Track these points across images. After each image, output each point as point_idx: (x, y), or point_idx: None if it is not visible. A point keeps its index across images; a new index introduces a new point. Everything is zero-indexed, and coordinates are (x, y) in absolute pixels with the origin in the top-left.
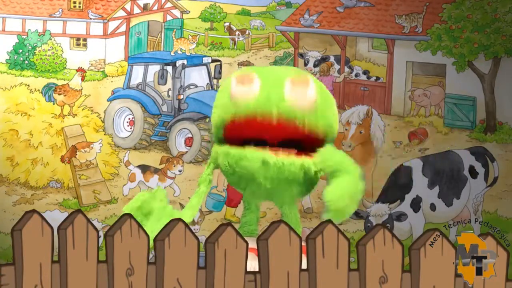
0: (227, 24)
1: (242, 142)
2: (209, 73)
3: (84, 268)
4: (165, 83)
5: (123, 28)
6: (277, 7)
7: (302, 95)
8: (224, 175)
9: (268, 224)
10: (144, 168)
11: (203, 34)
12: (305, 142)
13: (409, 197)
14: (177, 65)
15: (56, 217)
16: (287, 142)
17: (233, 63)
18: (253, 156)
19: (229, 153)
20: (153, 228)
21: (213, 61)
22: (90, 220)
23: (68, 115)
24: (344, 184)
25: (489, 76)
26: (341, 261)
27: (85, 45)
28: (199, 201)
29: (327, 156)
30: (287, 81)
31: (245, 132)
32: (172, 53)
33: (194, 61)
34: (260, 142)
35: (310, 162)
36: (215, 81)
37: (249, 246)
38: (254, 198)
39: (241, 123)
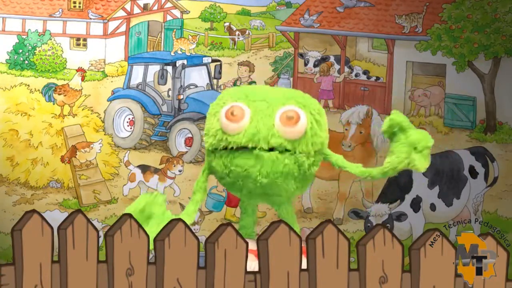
0: (227, 24)
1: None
2: (209, 73)
3: (84, 268)
4: (165, 83)
5: (123, 28)
6: (277, 7)
7: (293, 128)
8: (219, 179)
9: (268, 224)
10: (144, 168)
11: (203, 34)
12: None
13: (409, 197)
14: (177, 65)
15: (56, 217)
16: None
17: (233, 63)
18: (247, 153)
19: (223, 154)
20: (153, 232)
21: (213, 61)
22: (90, 220)
23: (68, 115)
24: (422, 131)
25: (489, 76)
26: (341, 261)
27: (85, 45)
28: (196, 209)
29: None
30: (277, 112)
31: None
32: (172, 53)
33: (194, 61)
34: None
35: (303, 155)
36: (215, 81)
37: (249, 247)
38: (251, 199)
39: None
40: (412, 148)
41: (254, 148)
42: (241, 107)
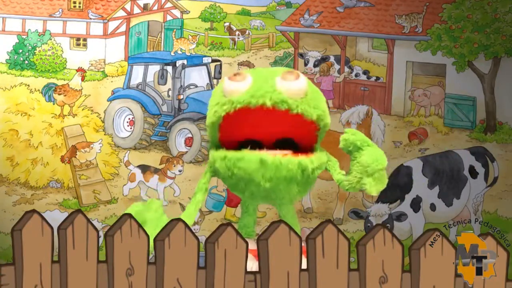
0: (227, 24)
1: (238, 145)
2: (209, 73)
3: (84, 268)
4: (165, 83)
5: (123, 28)
6: (277, 7)
7: (293, 85)
8: (222, 180)
9: (268, 224)
10: (144, 168)
11: (203, 34)
12: (300, 137)
13: (409, 197)
14: (177, 65)
15: (56, 217)
16: (282, 143)
17: (233, 63)
18: (251, 157)
19: (227, 156)
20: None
21: (213, 61)
22: (90, 220)
23: (68, 115)
24: (380, 152)
25: (489, 76)
26: (341, 261)
27: (85, 45)
28: (196, 210)
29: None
30: (278, 76)
31: (240, 127)
32: (172, 53)
33: (194, 61)
34: (255, 145)
35: (307, 160)
36: (215, 81)
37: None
38: (254, 200)
39: (236, 117)
40: (364, 170)
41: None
42: (243, 72)
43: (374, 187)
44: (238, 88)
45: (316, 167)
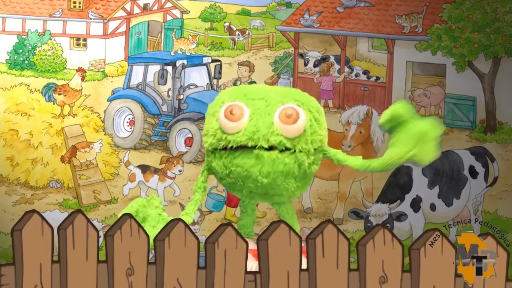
0: (227, 24)
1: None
2: (209, 73)
3: (84, 268)
4: (165, 83)
5: (123, 28)
6: (277, 7)
7: (292, 128)
8: (219, 180)
9: (268, 224)
10: (144, 168)
11: (203, 34)
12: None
13: (409, 197)
14: (177, 65)
15: (56, 217)
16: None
17: (233, 63)
18: (247, 153)
19: (223, 155)
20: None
21: (213, 61)
22: (90, 220)
23: (68, 115)
24: (429, 119)
25: (489, 76)
26: (341, 261)
27: (85, 45)
28: (195, 209)
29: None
30: (276, 111)
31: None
32: (172, 53)
33: (194, 61)
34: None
35: (303, 154)
36: (215, 81)
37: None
38: (252, 198)
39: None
40: (417, 139)
41: (254, 147)
42: (240, 106)
43: (428, 155)
44: (234, 127)
45: (313, 162)
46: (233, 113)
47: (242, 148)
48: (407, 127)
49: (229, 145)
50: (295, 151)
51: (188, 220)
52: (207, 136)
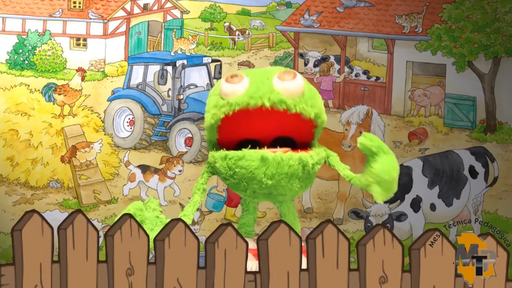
0: (227, 24)
1: (236, 145)
2: (209, 73)
3: (84, 268)
4: (165, 83)
5: (123, 28)
6: (277, 7)
7: (291, 85)
8: (223, 180)
9: (268, 224)
10: (144, 168)
11: (203, 34)
12: (297, 135)
13: (409, 197)
14: (177, 65)
15: (56, 217)
16: (280, 141)
17: (233, 63)
18: (252, 155)
19: (227, 156)
20: None
21: (213, 61)
22: (90, 220)
23: (68, 115)
24: (393, 160)
25: (489, 76)
26: (341, 261)
27: (85, 45)
28: (194, 210)
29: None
30: (274, 75)
31: (239, 128)
32: (172, 53)
33: (194, 61)
34: (253, 144)
35: (307, 155)
36: (215, 81)
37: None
38: (255, 198)
39: (235, 118)
40: (374, 178)
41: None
42: (240, 73)
43: (381, 196)
44: (236, 90)
45: (316, 162)
46: (234, 77)
47: (244, 145)
48: (370, 163)
49: (231, 109)
50: (297, 148)
51: (187, 221)
52: (209, 112)
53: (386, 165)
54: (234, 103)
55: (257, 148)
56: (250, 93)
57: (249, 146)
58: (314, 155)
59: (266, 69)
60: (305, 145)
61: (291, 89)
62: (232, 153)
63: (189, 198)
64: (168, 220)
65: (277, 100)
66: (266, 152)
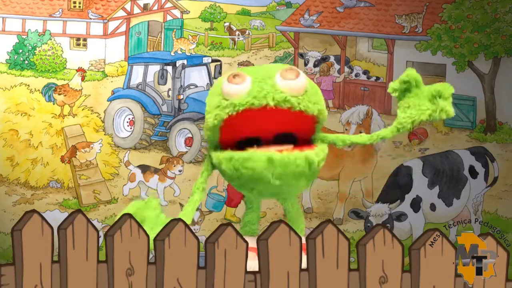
0: (227, 24)
1: (237, 143)
2: (209, 73)
3: (84, 268)
4: (165, 83)
5: (123, 28)
6: (277, 7)
7: (294, 84)
8: (228, 180)
9: (268, 224)
10: (144, 168)
11: (203, 34)
12: (299, 131)
13: (409, 197)
14: (177, 65)
15: (56, 217)
16: (281, 137)
17: (233, 63)
18: (258, 156)
19: (233, 157)
20: None
21: (213, 61)
22: (90, 220)
23: (68, 115)
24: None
25: (489, 76)
26: (341, 261)
27: (85, 45)
28: (193, 209)
29: (325, 146)
30: (277, 73)
31: (242, 127)
32: (172, 53)
33: (194, 61)
34: (254, 141)
35: (313, 153)
36: (215, 81)
37: (250, 245)
38: (261, 197)
39: (238, 118)
40: (436, 97)
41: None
42: (242, 73)
43: (446, 111)
44: (238, 90)
45: (321, 159)
46: (236, 77)
47: (247, 142)
48: (419, 91)
49: (235, 110)
50: (299, 144)
51: (187, 221)
52: (210, 113)
53: (442, 83)
54: (238, 104)
55: (259, 145)
56: (253, 93)
57: (254, 145)
58: (319, 152)
59: (267, 66)
60: (307, 141)
61: (295, 88)
62: (237, 154)
63: (189, 198)
64: (169, 219)
65: (281, 99)
66: (273, 152)
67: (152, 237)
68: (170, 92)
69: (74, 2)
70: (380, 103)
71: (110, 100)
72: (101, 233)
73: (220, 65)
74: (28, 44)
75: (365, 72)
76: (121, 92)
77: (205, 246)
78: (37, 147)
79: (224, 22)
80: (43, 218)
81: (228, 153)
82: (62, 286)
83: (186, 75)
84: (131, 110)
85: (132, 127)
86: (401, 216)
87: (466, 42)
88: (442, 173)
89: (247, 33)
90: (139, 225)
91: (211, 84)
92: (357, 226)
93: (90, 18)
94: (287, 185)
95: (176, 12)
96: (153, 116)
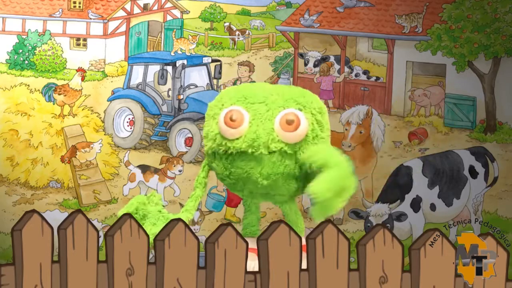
0: (227, 24)
1: None
2: (209, 73)
3: (84, 268)
4: (165, 83)
5: (123, 28)
6: (277, 7)
7: (292, 135)
8: (220, 180)
9: (268, 224)
10: (144, 168)
11: (203, 34)
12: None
13: (409, 197)
14: (177, 65)
15: (56, 217)
16: None
17: (233, 63)
18: (247, 154)
19: (223, 156)
20: (148, 232)
21: (213, 61)
22: (90, 220)
23: (68, 115)
24: (331, 177)
25: (489, 76)
26: (341, 261)
27: (85, 45)
28: (195, 205)
29: (315, 151)
30: (277, 116)
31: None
32: (172, 53)
33: (194, 61)
34: None
35: (304, 155)
36: (215, 81)
37: (250, 246)
38: (253, 198)
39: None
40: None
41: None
42: (240, 111)
43: (317, 215)
44: (234, 134)
45: (314, 161)
46: (233, 119)
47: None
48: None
49: (229, 151)
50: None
51: (188, 216)
52: (207, 140)
53: (320, 184)
54: (232, 148)
55: None
56: (249, 139)
57: None
58: (312, 154)
59: (269, 101)
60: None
61: (293, 138)
62: (227, 154)
63: (191, 193)
64: (171, 215)
65: (277, 149)
66: (262, 152)
67: (154, 232)
68: (170, 92)
69: (74, 2)
70: (380, 103)
71: (110, 100)
72: (101, 233)
73: (220, 65)
74: (28, 44)
75: (365, 72)
76: (121, 92)
77: (205, 246)
78: (37, 147)
79: (224, 22)
80: (43, 218)
81: (219, 154)
82: (62, 286)
83: (186, 75)
84: (131, 110)
85: (132, 127)
86: (401, 216)
87: (466, 42)
88: (442, 173)
89: (247, 33)
90: (139, 225)
91: (211, 84)
92: (357, 226)
93: (90, 18)
94: (277, 185)
95: (176, 12)
96: (153, 116)
